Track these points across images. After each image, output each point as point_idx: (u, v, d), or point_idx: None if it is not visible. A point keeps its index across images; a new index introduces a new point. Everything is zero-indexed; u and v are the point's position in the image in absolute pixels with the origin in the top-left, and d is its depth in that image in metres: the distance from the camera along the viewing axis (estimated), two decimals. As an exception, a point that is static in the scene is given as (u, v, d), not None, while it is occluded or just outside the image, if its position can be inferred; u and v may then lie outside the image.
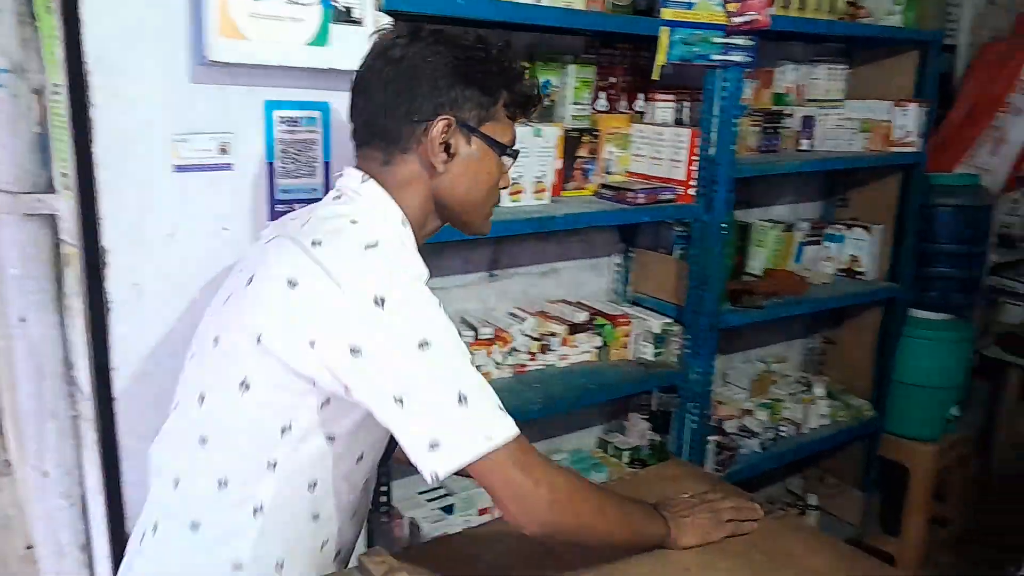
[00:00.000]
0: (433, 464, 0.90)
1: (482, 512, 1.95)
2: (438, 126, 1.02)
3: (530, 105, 1.11)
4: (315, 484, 1.02)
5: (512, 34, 1.78)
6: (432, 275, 1.01)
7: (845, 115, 2.52)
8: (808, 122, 2.44)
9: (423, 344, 0.90)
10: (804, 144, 2.44)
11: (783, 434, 2.46)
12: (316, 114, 1.46)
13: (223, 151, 1.37)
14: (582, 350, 2.06)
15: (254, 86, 1.37)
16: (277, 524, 1.00)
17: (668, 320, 2.13)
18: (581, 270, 2.26)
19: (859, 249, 2.59)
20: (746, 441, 2.36)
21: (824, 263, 2.61)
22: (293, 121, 1.44)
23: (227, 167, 1.38)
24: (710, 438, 2.24)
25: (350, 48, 1.39)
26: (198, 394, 1.01)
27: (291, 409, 0.96)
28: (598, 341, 2.09)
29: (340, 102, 1.39)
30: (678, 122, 2.14)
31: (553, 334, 2.01)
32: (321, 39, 1.39)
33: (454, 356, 0.93)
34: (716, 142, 1.99)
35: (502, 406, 0.94)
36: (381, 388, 0.91)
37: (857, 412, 2.66)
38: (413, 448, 0.91)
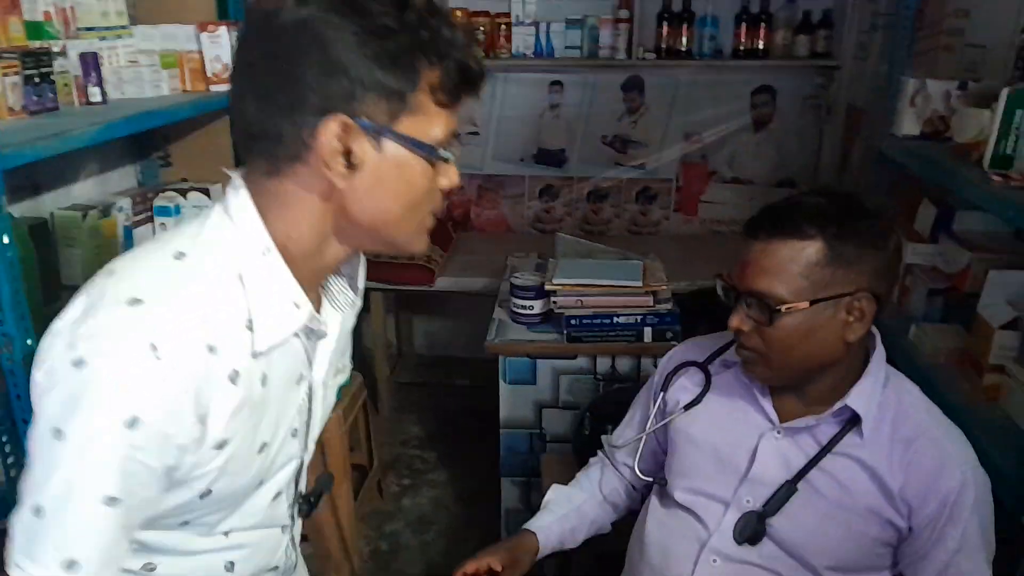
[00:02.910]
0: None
1: None
2: (330, 129, 0.70)
3: (471, 85, 0.76)
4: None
5: None
6: None
7: (137, 46, 1.88)
8: (90, 61, 1.71)
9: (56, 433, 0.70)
10: (94, 94, 1.72)
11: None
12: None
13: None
14: None
15: None
16: None
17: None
18: None
19: (206, 219, 2.05)
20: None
21: (168, 246, 2.00)
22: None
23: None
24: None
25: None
26: None
27: None
28: None
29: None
30: None
31: None
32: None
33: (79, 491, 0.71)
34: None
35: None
36: None
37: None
38: None
